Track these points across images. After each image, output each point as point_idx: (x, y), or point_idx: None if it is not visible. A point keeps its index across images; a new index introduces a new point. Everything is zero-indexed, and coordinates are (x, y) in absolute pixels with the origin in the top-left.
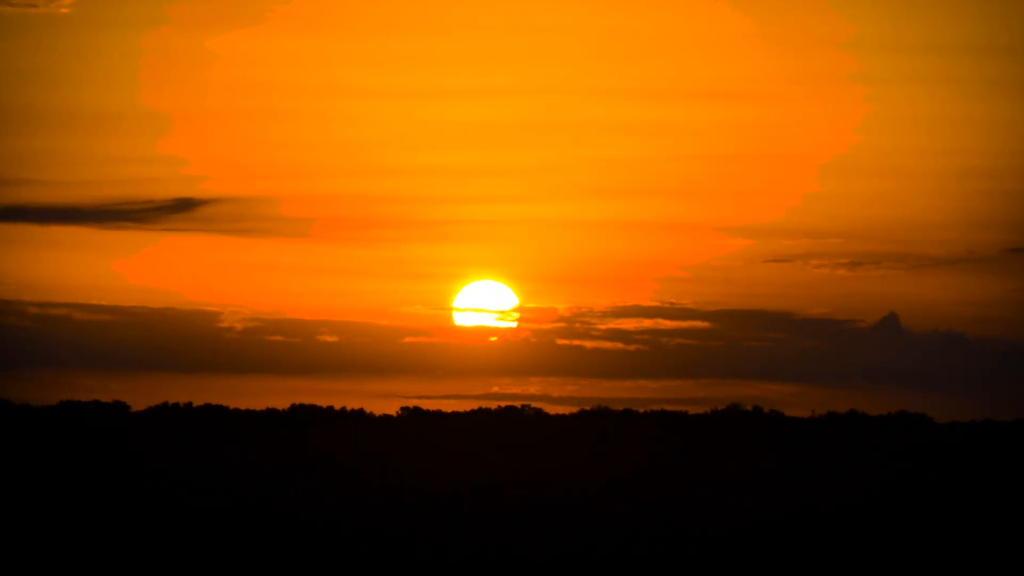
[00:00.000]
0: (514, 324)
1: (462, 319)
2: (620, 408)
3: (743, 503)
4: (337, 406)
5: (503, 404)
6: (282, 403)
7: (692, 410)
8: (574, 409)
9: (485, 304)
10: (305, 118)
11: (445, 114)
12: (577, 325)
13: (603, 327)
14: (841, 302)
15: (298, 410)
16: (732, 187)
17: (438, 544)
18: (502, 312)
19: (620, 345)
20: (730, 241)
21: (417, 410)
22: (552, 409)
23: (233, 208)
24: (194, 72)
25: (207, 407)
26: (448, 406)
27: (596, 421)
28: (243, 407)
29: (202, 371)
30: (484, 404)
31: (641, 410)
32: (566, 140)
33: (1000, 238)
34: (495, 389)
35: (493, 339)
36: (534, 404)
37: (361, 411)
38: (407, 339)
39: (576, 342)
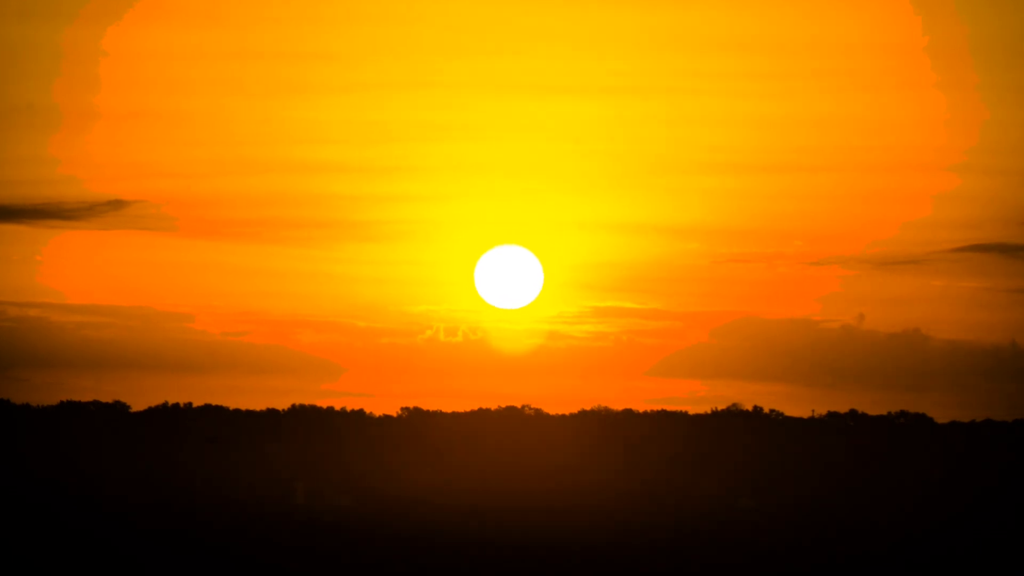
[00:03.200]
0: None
1: (438, 320)
2: (620, 408)
3: (744, 502)
4: (337, 406)
5: (503, 404)
6: (281, 403)
7: (692, 410)
8: (574, 409)
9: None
10: (221, 115)
11: (362, 111)
12: (558, 326)
13: (585, 328)
14: (812, 302)
15: (298, 410)
16: (691, 187)
17: (439, 543)
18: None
19: (608, 346)
20: (693, 242)
21: (417, 410)
22: (552, 409)
23: (166, 208)
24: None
25: (207, 407)
26: (448, 406)
27: (596, 421)
28: (243, 407)
29: (183, 370)
30: (484, 404)
31: (641, 410)
32: (540, 136)
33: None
34: (480, 391)
35: (456, 339)
36: (534, 404)
37: (361, 411)
38: (384, 340)
39: (562, 343)
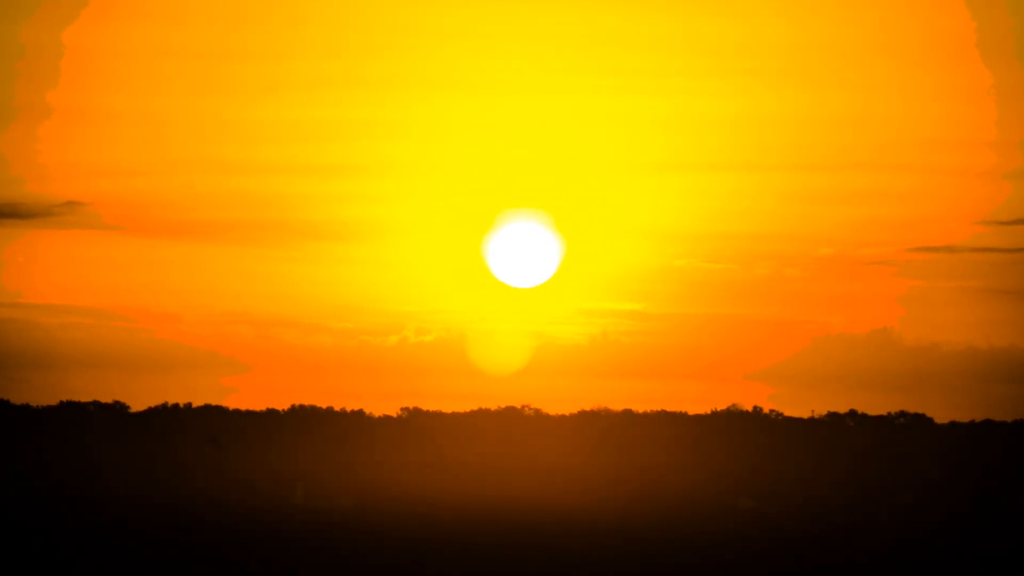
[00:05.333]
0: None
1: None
2: (620, 408)
3: (744, 502)
4: (336, 407)
5: (503, 404)
6: (281, 403)
7: (692, 410)
8: (574, 410)
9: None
10: (176, 113)
11: (316, 109)
12: (549, 326)
13: (568, 328)
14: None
15: (298, 410)
16: (667, 187)
17: (439, 544)
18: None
19: (599, 345)
20: (669, 244)
21: (417, 410)
22: (552, 409)
23: (126, 208)
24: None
25: (207, 407)
26: (448, 406)
27: (596, 421)
28: (243, 407)
29: (166, 370)
30: (484, 404)
31: (640, 410)
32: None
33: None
34: (483, 390)
35: (419, 338)
36: (534, 404)
37: (361, 411)
38: (362, 338)
39: (540, 341)
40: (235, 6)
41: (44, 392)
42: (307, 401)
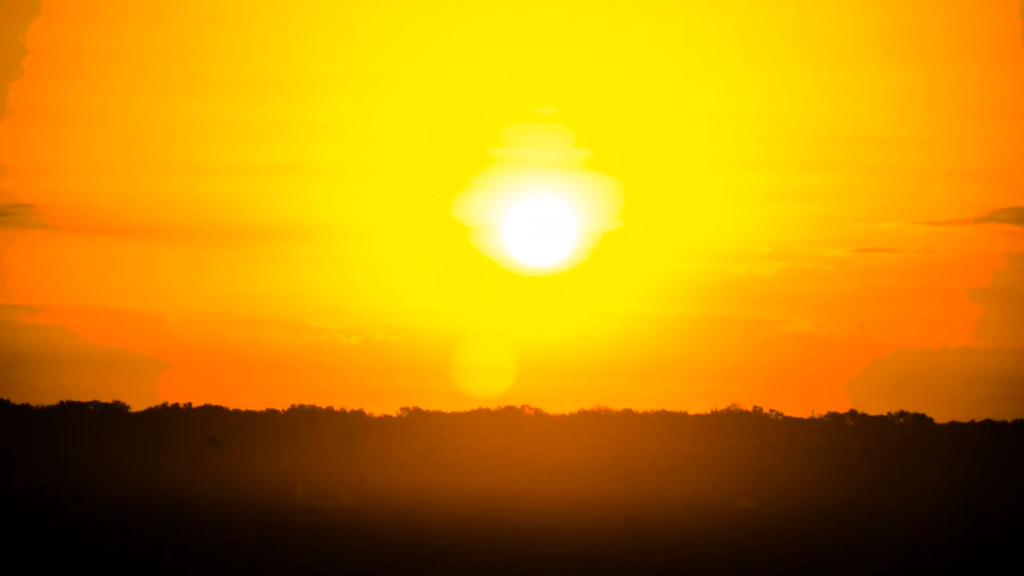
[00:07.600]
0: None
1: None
2: (620, 408)
3: (744, 502)
4: (336, 407)
5: (503, 404)
6: (281, 403)
7: (692, 410)
8: (574, 409)
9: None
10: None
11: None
12: (544, 324)
13: (549, 328)
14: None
15: (298, 410)
16: (651, 188)
17: (439, 544)
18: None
19: (597, 344)
20: (650, 244)
21: (417, 410)
22: (552, 409)
23: (88, 209)
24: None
25: (207, 407)
26: (448, 406)
27: (596, 421)
28: (243, 408)
29: (155, 367)
30: (484, 404)
31: (640, 410)
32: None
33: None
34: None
35: (395, 336)
36: (534, 404)
37: (361, 411)
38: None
39: (553, 338)
40: (209, 5)
41: (44, 392)
42: (307, 401)
